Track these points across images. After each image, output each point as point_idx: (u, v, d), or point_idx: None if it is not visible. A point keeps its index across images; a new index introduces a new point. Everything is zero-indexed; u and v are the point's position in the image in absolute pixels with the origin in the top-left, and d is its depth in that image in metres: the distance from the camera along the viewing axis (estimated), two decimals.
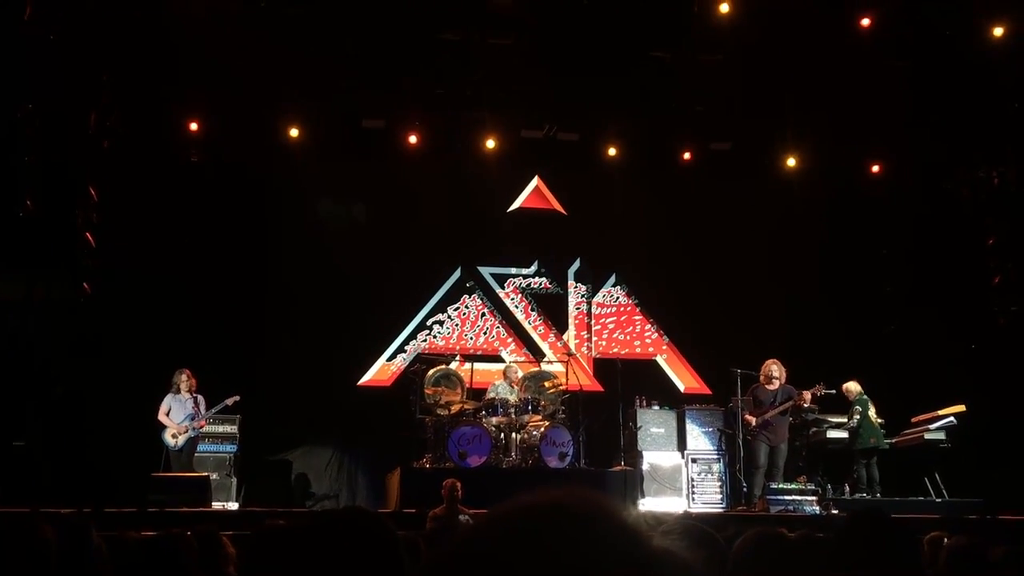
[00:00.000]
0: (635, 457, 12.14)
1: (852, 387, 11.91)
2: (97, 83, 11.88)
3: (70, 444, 11.30)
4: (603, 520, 0.88)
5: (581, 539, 0.86)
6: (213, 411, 11.30)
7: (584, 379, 13.27)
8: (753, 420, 11.52)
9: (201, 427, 11.20)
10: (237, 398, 11.39)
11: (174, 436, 11.03)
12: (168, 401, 11.16)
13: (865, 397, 11.84)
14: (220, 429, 11.71)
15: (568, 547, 0.85)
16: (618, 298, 14.76)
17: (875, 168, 14.22)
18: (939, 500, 11.18)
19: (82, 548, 3.62)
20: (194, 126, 12.74)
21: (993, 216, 13.41)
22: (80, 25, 11.12)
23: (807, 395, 11.53)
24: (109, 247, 12.18)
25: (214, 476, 11.09)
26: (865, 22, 11.71)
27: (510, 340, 14.30)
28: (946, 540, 4.33)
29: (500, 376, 12.55)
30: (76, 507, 7.69)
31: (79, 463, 11.06)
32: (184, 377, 11.18)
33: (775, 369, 11.66)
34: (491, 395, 11.92)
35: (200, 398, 11.21)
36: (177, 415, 11.11)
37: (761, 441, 11.50)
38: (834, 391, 11.72)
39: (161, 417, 11.08)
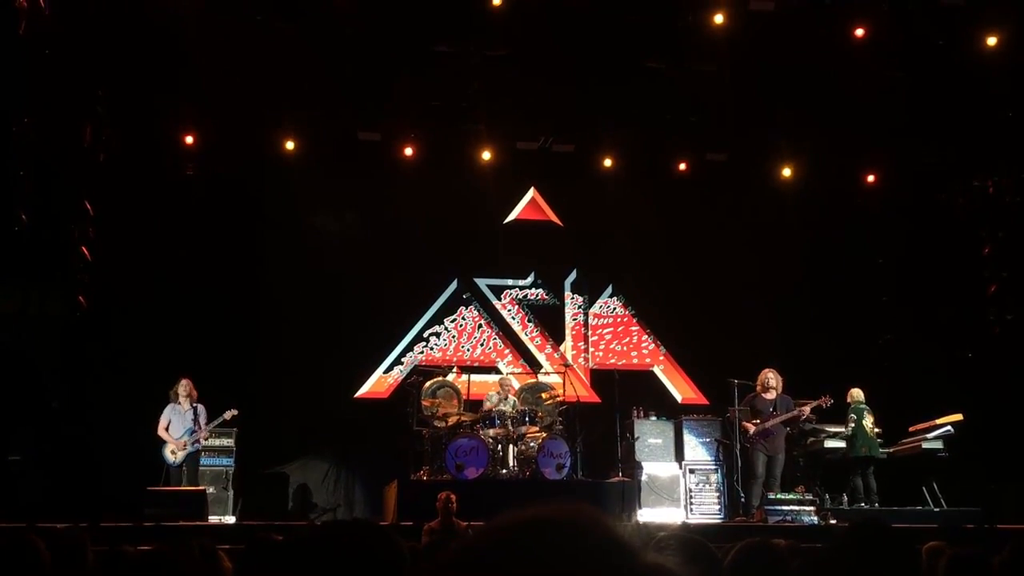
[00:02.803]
0: (633, 468, 12.12)
1: (854, 393, 11.92)
2: (92, 97, 11.89)
3: (66, 458, 11.26)
4: (595, 534, 0.88)
5: (573, 553, 0.86)
6: (212, 425, 11.22)
7: (581, 390, 13.24)
8: (751, 428, 11.51)
9: (200, 440, 11.07)
10: (235, 412, 11.32)
11: (173, 452, 10.94)
12: (167, 414, 11.04)
13: (862, 406, 11.83)
14: (217, 443, 11.66)
15: (561, 562, 0.85)
16: (615, 309, 14.76)
17: (870, 178, 14.27)
18: (937, 509, 11.16)
19: (77, 563, 3.61)
20: (189, 139, 12.78)
21: (988, 225, 13.44)
22: (75, 39, 11.13)
23: (807, 408, 11.50)
24: (104, 261, 12.16)
25: (211, 489, 11.04)
26: (859, 32, 11.75)
27: (507, 352, 14.29)
28: (944, 550, 4.32)
29: (496, 387, 12.51)
30: (72, 521, 7.66)
31: (75, 477, 11.02)
32: (184, 385, 11.05)
33: (772, 378, 11.65)
34: (486, 404, 11.92)
35: (200, 408, 11.10)
36: (176, 429, 11.00)
37: (759, 451, 11.48)
38: (834, 402, 11.68)
39: (160, 432, 10.97)
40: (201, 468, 11.35)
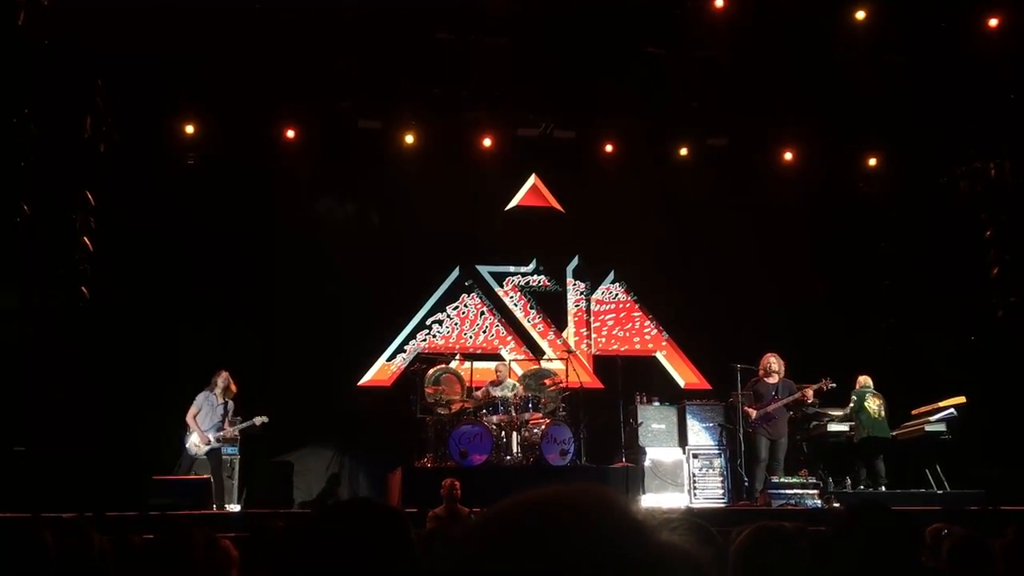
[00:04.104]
0: (636, 453, 12.14)
1: (861, 380, 11.97)
2: (92, 87, 11.86)
3: (71, 449, 11.26)
4: (609, 514, 0.88)
5: (587, 532, 0.86)
6: (239, 427, 11.16)
7: (584, 376, 13.26)
8: (753, 412, 11.52)
9: (223, 438, 11.00)
10: (265, 419, 11.18)
11: (196, 444, 10.90)
12: (199, 402, 10.96)
13: (864, 389, 11.85)
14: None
15: (574, 540, 0.85)
16: (617, 295, 14.76)
17: (872, 161, 14.25)
18: (940, 492, 11.18)
19: (83, 552, 3.62)
20: (190, 129, 12.76)
21: (990, 208, 13.40)
22: (74, 30, 11.09)
23: (810, 391, 11.50)
24: (107, 251, 12.15)
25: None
26: (860, 15, 11.71)
27: (510, 338, 14.29)
28: (947, 532, 4.34)
29: (494, 375, 12.46)
30: (77, 511, 7.68)
31: (80, 468, 11.03)
32: (223, 377, 10.99)
33: (774, 362, 11.66)
34: (485, 388, 11.94)
35: (231, 404, 11.05)
36: (204, 420, 10.91)
37: (762, 435, 11.50)
38: (835, 385, 11.68)
39: (190, 419, 10.89)
40: (206, 458, 11.27)
